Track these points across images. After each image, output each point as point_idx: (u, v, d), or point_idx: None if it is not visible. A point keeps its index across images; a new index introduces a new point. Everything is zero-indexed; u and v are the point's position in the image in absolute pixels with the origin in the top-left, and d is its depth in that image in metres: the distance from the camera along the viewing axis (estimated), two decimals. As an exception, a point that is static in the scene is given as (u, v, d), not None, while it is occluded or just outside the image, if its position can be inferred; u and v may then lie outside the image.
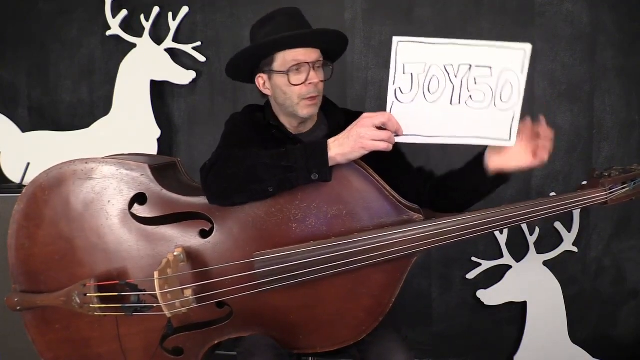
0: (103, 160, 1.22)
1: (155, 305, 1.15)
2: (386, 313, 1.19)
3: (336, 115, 1.42)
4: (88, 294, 1.18)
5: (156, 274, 1.10)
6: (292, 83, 1.28)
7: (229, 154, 1.21)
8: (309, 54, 1.30)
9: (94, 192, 1.21)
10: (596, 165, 2.05)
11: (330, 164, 1.12)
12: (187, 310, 1.15)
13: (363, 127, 1.11)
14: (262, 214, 1.17)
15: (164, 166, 1.30)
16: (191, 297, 1.15)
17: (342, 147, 1.12)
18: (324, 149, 1.12)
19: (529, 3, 2.04)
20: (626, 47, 2.01)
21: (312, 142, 1.22)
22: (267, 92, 1.37)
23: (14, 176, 2.21)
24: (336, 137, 1.14)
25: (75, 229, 1.22)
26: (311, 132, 1.41)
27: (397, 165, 1.31)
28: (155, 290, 1.11)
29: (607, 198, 1.21)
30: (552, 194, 1.98)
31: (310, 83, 1.28)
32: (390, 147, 1.12)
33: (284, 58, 1.29)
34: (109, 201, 1.21)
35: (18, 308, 1.23)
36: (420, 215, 1.17)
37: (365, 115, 1.14)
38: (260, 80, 1.37)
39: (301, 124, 1.39)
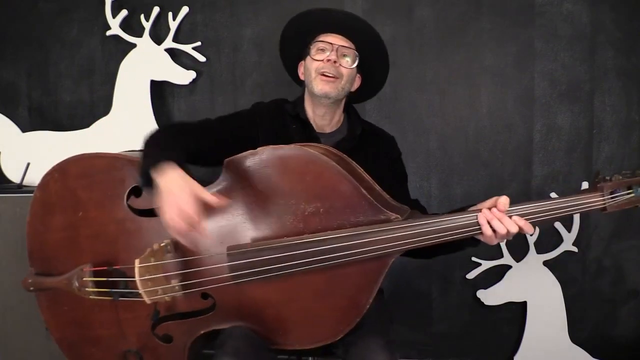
0: (105, 155, 1.32)
1: (139, 291, 1.21)
2: (362, 315, 1.18)
3: (356, 124, 1.50)
4: (84, 278, 1.26)
5: (137, 262, 1.18)
6: (313, 57, 1.43)
7: (182, 128, 1.36)
8: (337, 40, 1.43)
9: (96, 184, 1.29)
10: (596, 165, 2.05)
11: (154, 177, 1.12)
12: (169, 298, 1.21)
13: (183, 204, 1.06)
14: (242, 210, 1.21)
15: None
16: (176, 285, 1.20)
17: (166, 187, 1.09)
18: (162, 168, 1.11)
19: (529, 3, 2.04)
20: (626, 47, 2.01)
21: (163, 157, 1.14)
22: (302, 77, 1.51)
23: (14, 176, 2.20)
24: (180, 177, 1.10)
25: (81, 218, 1.30)
26: (332, 135, 1.49)
27: (395, 187, 1.29)
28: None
29: (605, 204, 1.12)
30: (552, 194, 2.00)
31: (328, 60, 1.40)
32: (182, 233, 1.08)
33: (317, 39, 1.45)
34: (109, 193, 1.28)
35: (31, 288, 1.32)
36: (398, 216, 1.15)
37: (197, 191, 1.09)
38: (301, 67, 1.52)
39: (325, 123, 1.47)
